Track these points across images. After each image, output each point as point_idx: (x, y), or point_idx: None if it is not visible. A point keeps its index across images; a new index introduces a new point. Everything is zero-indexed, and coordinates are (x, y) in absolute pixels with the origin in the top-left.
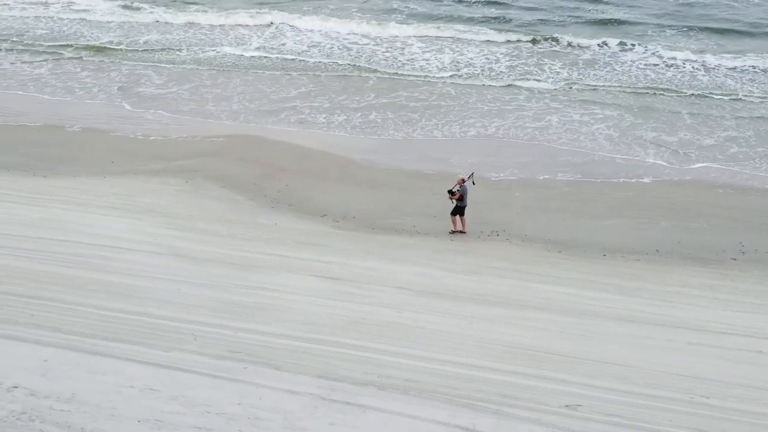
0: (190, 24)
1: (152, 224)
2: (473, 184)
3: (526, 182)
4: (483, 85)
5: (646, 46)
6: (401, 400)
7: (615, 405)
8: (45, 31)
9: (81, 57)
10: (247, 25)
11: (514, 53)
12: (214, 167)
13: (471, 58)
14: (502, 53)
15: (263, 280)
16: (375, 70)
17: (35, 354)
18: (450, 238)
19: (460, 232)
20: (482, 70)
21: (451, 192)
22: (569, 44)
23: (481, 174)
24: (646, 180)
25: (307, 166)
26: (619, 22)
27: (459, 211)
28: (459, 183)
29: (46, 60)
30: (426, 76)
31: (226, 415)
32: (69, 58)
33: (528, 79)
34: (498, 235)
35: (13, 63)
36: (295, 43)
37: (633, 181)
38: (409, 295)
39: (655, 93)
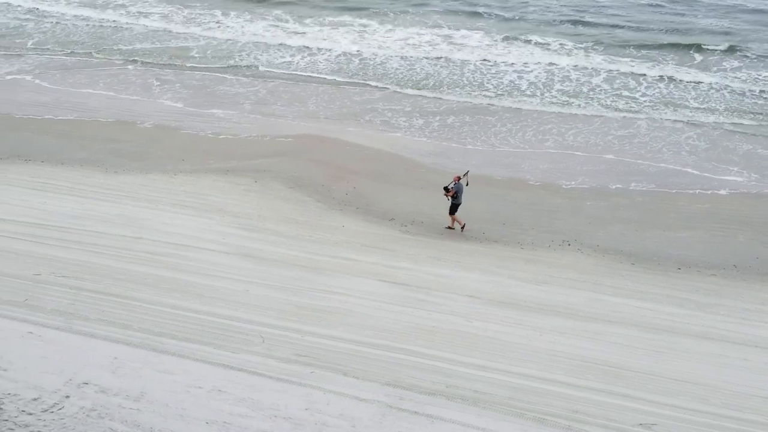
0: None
1: (221, 223)
2: (466, 184)
3: (598, 191)
4: (576, 104)
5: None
6: (470, 412)
7: (691, 426)
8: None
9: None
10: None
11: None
12: (283, 168)
13: (566, 72)
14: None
15: (330, 284)
16: (457, 83)
17: (106, 351)
18: (456, 235)
19: (449, 228)
20: (577, 84)
21: (446, 189)
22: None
23: (551, 181)
24: (722, 192)
25: (376, 168)
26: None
27: (455, 208)
28: (455, 180)
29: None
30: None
31: (293, 419)
32: (144, 63)
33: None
34: (569, 244)
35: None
36: (379, 48)
37: (709, 192)
38: (478, 304)
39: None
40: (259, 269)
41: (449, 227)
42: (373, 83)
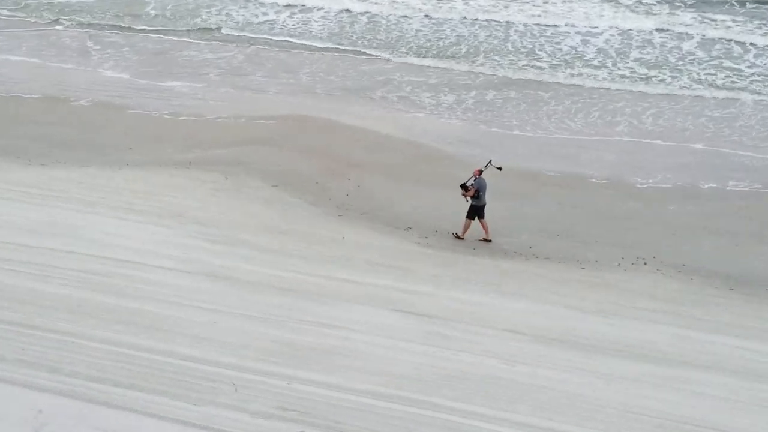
0: None
1: (181, 234)
2: (499, 169)
3: (684, 192)
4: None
5: None
6: None
7: None
8: None
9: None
10: None
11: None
12: (263, 159)
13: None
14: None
15: (326, 314)
16: (499, 50)
17: (27, 402)
18: (471, 246)
19: (485, 240)
20: (661, 52)
21: (464, 187)
22: None
23: (621, 178)
24: None
25: (387, 160)
26: None
27: (476, 212)
28: (475, 175)
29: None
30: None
31: None
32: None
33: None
34: (645, 263)
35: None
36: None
37: None
38: (522, 342)
39: None
40: (230, 294)
41: (457, 235)
42: (382, 52)
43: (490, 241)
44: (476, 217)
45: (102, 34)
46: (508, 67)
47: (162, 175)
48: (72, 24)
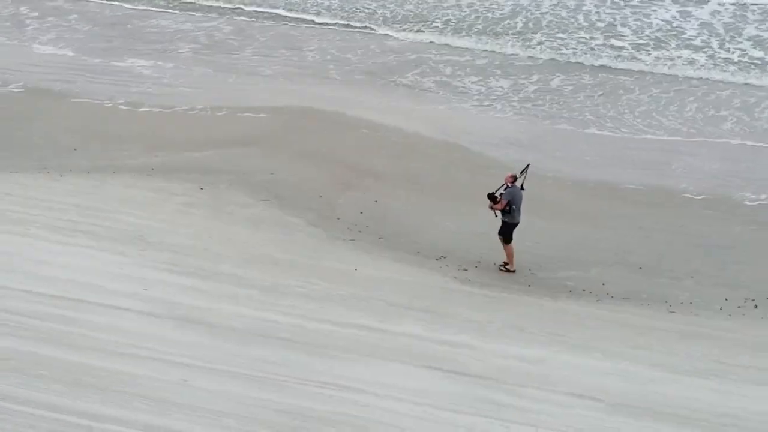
0: None
1: (141, 263)
2: (521, 187)
3: None
4: None
5: None
6: None
7: None
8: None
9: None
10: None
11: None
12: (251, 166)
13: None
14: None
15: (336, 373)
16: (567, 25)
17: None
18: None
19: (506, 269)
20: None
21: (492, 198)
22: None
23: (725, 193)
24: None
25: (415, 167)
26: None
27: (510, 229)
28: (507, 182)
29: None
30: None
31: None
32: None
33: None
34: (756, 306)
35: None
36: None
37: None
38: (595, 410)
39: None
40: (207, 345)
41: (505, 267)
42: (407, 27)
43: (513, 272)
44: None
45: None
46: (580, 48)
47: (117, 186)
48: None
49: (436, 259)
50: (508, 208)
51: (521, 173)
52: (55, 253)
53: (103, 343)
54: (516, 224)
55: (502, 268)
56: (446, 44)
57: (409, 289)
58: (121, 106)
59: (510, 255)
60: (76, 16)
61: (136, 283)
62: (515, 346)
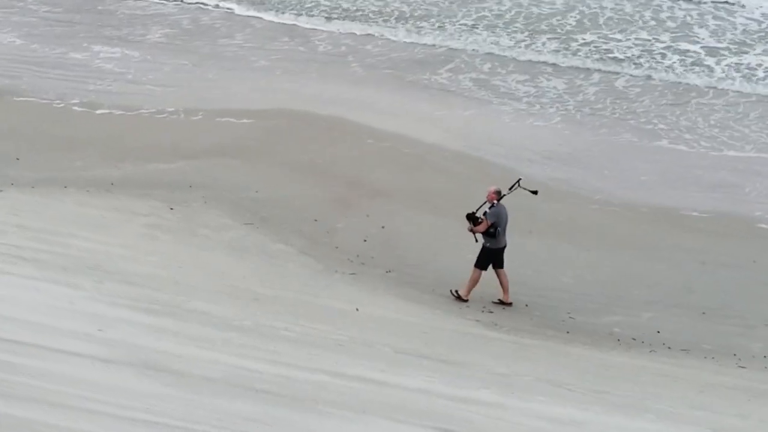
0: None
1: (97, 298)
2: (534, 193)
3: None
4: None
5: None
6: None
7: None
8: None
9: None
10: None
11: None
12: (231, 181)
13: None
14: None
15: None
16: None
17: None
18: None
19: (500, 302)
20: None
21: (472, 218)
22: None
23: None
24: None
25: (430, 185)
26: None
27: (490, 258)
28: (491, 199)
29: None
30: None
31: None
32: None
33: None
34: None
35: None
36: None
37: None
38: None
39: None
40: (175, 398)
41: (458, 295)
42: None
43: (510, 304)
44: (490, 266)
45: None
46: (644, 53)
47: (68, 204)
48: None
49: (457, 298)
50: (492, 230)
51: (510, 189)
52: None
53: (51, 395)
54: (501, 249)
55: (453, 293)
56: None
57: (420, 333)
58: (75, 107)
59: (473, 283)
60: None
61: (91, 321)
62: (548, 405)
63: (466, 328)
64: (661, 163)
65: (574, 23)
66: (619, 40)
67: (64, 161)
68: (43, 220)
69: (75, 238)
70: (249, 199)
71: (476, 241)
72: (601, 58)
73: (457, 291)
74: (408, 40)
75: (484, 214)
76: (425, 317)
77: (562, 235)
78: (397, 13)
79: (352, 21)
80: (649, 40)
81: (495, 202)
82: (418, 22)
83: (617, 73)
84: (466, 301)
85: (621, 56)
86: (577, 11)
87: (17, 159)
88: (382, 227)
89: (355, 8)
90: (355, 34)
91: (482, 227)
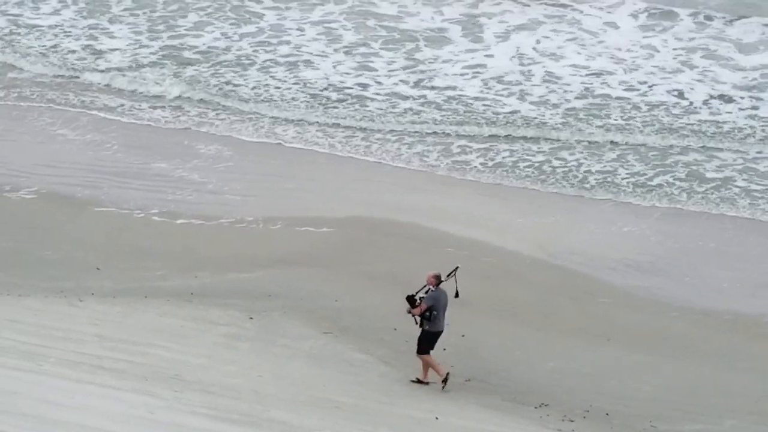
0: None
1: (176, 407)
2: (456, 294)
3: None
4: None
5: None
6: None
7: None
8: None
9: None
10: None
11: None
12: (310, 290)
13: None
14: None
15: None
16: None
17: None
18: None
19: (420, 381)
20: None
21: (411, 300)
22: None
23: None
24: None
25: (510, 293)
26: None
27: (430, 340)
28: (429, 283)
29: None
30: None
31: None
32: None
33: None
34: None
35: None
36: None
37: None
38: None
39: None
40: None
41: (419, 380)
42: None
43: (427, 383)
44: (430, 349)
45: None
46: None
47: (148, 314)
48: None
49: (535, 407)
50: (428, 314)
51: (448, 276)
52: (73, 393)
53: None
54: (438, 333)
55: (413, 380)
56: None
57: None
58: (155, 217)
59: (427, 365)
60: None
61: (170, 431)
62: None
63: None
64: (739, 271)
65: None
66: None
67: (144, 271)
68: (122, 330)
69: (154, 348)
70: (328, 308)
71: (416, 323)
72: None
73: (417, 378)
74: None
75: (421, 297)
76: (506, 426)
77: (642, 343)
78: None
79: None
80: None
81: (433, 287)
82: None
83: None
84: (426, 383)
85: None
86: None
87: (97, 269)
88: (462, 336)
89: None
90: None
91: (418, 310)
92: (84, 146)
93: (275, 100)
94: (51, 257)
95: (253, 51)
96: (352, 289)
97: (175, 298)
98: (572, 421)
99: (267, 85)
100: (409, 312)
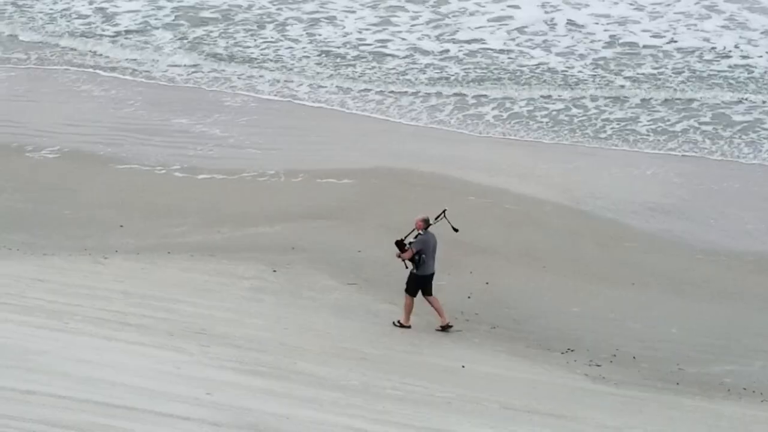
0: None
1: (204, 362)
2: (455, 230)
3: None
4: None
5: None
6: None
7: None
8: None
9: None
10: None
11: None
12: (333, 242)
13: None
14: None
15: None
16: None
17: None
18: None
19: (442, 328)
20: None
21: (400, 244)
22: None
23: None
24: None
25: (533, 241)
26: None
27: (418, 285)
28: (418, 227)
29: None
30: None
31: None
32: None
33: None
34: None
35: None
36: None
37: None
38: None
39: None
40: None
41: (400, 323)
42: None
43: (450, 326)
44: (420, 293)
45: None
46: None
47: (172, 269)
48: None
49: (562, 353)
50: (417, 258)
51: (436, 219)
52: (100, 350)
53: None
54: (429, 276)
55: (396, 323)
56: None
57: (528, 389)
58: (176, 173)
59: (408, 310)
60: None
61: (198, 385)
62: None
63: (574, 382)
64: (766, 211)
65: None
66: None
67: (167, 227)
68: (147, 286)
69: (180, 303)
70: (352, 259)
71: (406, 267)
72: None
73: (399, 321)
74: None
75: (410, 242)
76: (533, 372)
77: (668, 286)
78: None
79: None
80: None
81: (421, 231)
82: None
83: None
84: (409, 326)
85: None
86: None
87: (121, 226)
88: (486, 283)
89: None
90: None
91: (408, 254)
92: (105, 105)
93: (288, 60)
94: (74, 216)
95: (276, 9)
96: (374, 240)
97: (198, 253)
98: (599, 365)
99: (279, 43)
100: (399, 256)
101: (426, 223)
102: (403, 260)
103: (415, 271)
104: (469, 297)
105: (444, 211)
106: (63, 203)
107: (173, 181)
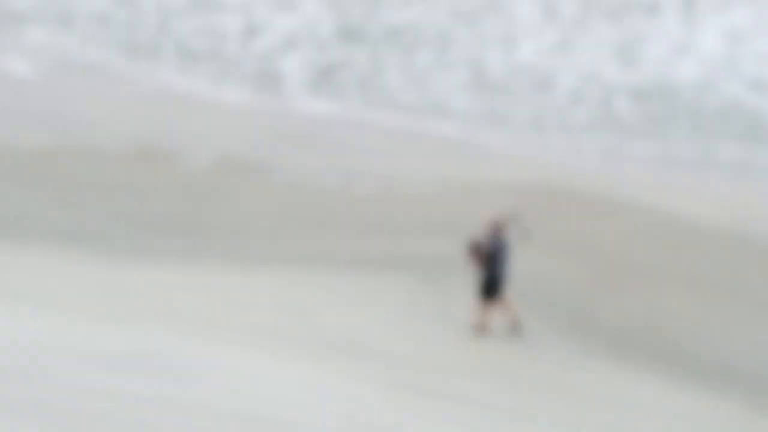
0: None
1: (354, 377)
2: (528, 235)
3: None
4: None
5: None
6: None
7: None
8: None
9: None
10: None
11: None
12: None
13: None
14: None
15: None
16: None
17: None
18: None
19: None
20: None
21: (473, 247)
22: None
23: None
24: None
25: (695, 264)
26: None
27: (490, 288)
28: (491, 231)
29: None
30: None
31: None
32: None
33: None
34: None
35: None
36: None
37: None
38: None
39: None
40: None
41: (479, 327)
42: None
43: (518, 322)
44: (491, 296)
45: None
46: None
47: (323, 281)
48: None
49: (722, 385)
50: (491, 261)
51: (508, 224)
52: (248, 362)
53: None
54: (498, 283)
55: (476, 329)
56: None
57: (686, 420)
58: (329, 185)
59: (482, 315)
60: None
61: (346, 401)
62: None
63: (731, 414)
64: None
65: None
66: None
67: (319, 239)
68: (298, 297)
69: (330, 316)
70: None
71: (478, 271)
72: None
73: (475, 327)
74: None
75: (482, 246)
76: (689, 404)
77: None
78: None
79: None
80: None
81: (494, 235)
82: None
83: None
84: (485, 331)
85: None
86: None
87: (273, 238)
88: (648, 309)
89: None
90: None
91: (479, 257)
92: (261, 112)
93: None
94: (224, 224)
95: None
96: (530, 257)
97: (349, 265)
98: (762, 399)
99: None
100: (470, 259)
101: (499, 227)
102: (474, 263)
103: (488, 274)
104: (627, 320)
105: (516, 215)
106: (216, 210)
107: (325, 193)
